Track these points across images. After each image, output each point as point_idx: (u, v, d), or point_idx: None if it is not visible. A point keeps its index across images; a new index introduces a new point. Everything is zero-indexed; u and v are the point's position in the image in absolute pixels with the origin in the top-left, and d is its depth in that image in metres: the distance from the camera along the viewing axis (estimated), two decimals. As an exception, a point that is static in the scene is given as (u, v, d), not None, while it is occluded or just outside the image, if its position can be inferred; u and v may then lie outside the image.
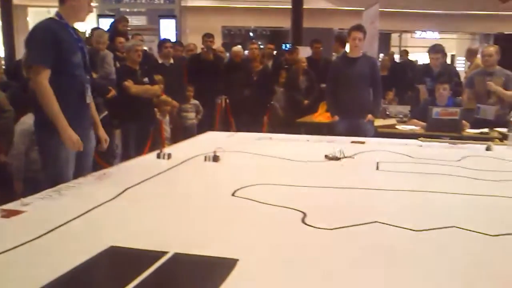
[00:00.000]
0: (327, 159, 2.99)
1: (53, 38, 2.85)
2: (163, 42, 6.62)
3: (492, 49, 5.42)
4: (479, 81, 5.37)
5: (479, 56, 6.07)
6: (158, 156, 2.95)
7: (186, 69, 7.02)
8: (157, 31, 12.28)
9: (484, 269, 1.45)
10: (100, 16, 12.08)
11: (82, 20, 3.10)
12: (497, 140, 4.24)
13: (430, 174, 2.67)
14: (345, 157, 3.02)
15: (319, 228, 1.74)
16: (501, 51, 5.41)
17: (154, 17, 13.58)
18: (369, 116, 4.82)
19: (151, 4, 15.22)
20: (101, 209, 1.95)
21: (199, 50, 7.88)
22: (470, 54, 7.49)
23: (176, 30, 12.55)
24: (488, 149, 3.47)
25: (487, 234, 1.70)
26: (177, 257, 1.47)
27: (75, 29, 3.10)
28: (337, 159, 2.98)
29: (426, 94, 5.82)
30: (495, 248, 1.62)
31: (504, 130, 4.56)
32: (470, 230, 1.73)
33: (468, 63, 7.70)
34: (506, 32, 11.61)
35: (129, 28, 8.06)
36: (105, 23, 9.16)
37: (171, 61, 6.52)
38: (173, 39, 9.39)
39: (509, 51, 7.87)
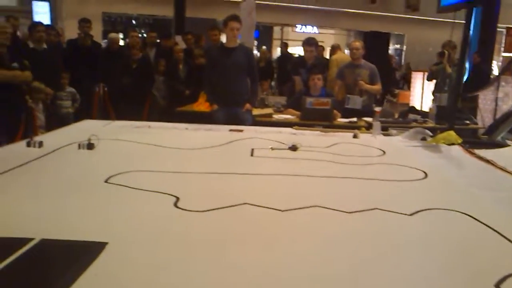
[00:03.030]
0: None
1: None
2: (34, 26, 6.23)
3: (358, 43, 5.83)
4: (348, 73, 5.75)
5: (347, 51, 6.48)
6: (28, 144, 2.81)
7: (61, 55, 6.69)
8: (29, 13, 11.53)
9: (339, 243, 1.59)
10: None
11: None
12: (363, 128, 4.58)
13: (299, 159, 2.84)
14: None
15: (190, 211, 1.79)
16: (370, 47, 5.85)
17: (26, -2, 12.69)
18: (247, 106, 4.93)
19: (22, -16, 14.18)
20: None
21: (70, 36, 7.53)
22: (333, 50, 8.05)
23: (50, 14, 11.88)
24: (355, 136, 3.72)
25: (344, 211, 1.86)
26: (43, 243, 1.44)
27: None
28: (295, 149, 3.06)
29: (301, 85, 6.09)
30: (350, 223, 1.78)
31: (369, 119, 4.91)
32: (329, 208, 1.87)
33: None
34: (375, 30, 12.55)
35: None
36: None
37: (44, 46, 6.17)
38: (47, 23, 8.88)
39: (376, 47, 8.54)
